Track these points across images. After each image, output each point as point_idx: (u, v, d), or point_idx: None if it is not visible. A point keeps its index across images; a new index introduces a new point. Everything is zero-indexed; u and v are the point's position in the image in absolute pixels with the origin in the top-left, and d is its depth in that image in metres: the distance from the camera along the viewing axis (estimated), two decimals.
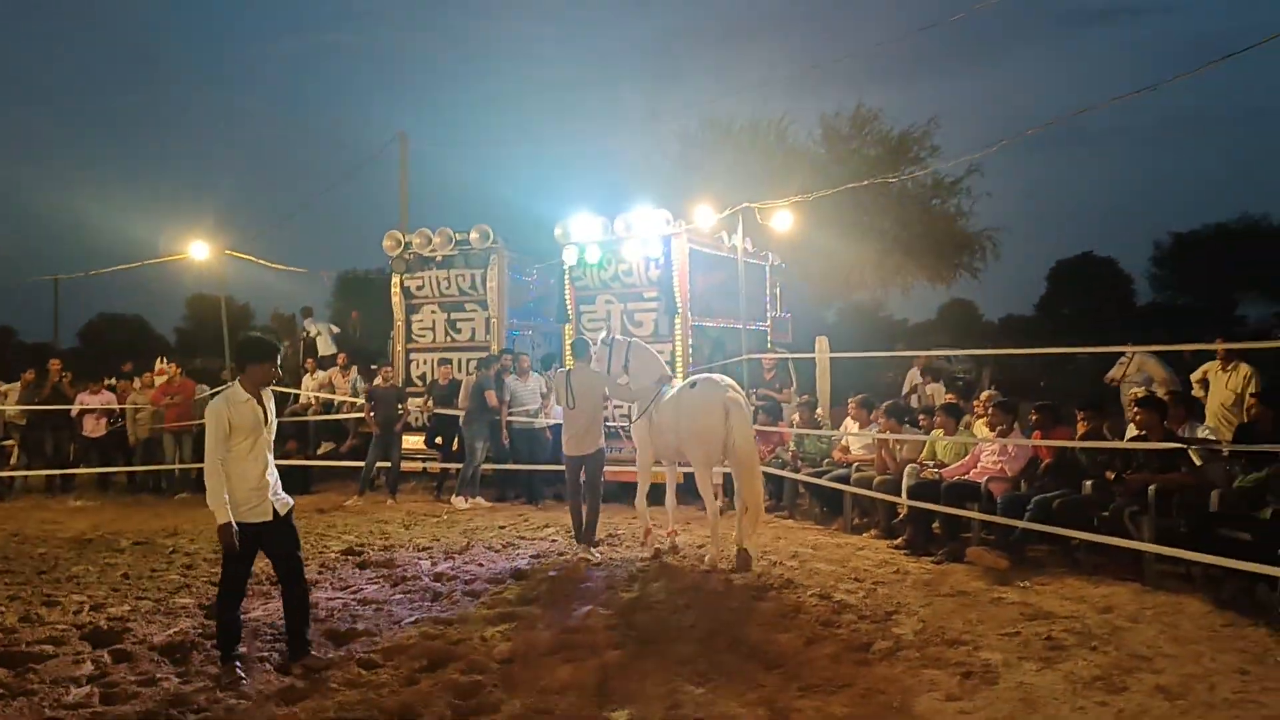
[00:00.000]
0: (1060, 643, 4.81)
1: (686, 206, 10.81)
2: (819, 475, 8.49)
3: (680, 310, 10.33)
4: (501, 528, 8.97)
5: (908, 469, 7.36)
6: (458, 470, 10.84)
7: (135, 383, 12.98)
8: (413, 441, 11.71)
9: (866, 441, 8.43)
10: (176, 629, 5.47)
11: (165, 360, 14.14)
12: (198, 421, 12.78)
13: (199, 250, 12.81)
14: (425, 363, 12.26)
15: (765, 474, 9.35)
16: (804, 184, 14.19)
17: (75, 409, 12.45)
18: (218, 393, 5.10)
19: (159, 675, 4.66)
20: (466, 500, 10.42)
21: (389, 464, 11.36)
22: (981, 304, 36.86)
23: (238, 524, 4.55)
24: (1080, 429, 7.01)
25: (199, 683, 4.55)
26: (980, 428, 7.64)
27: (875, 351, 14.03)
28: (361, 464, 11.69)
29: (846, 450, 8.72)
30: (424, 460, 11.69)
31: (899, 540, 7.30)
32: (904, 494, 7.19)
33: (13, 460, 12.79)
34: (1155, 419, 6.06)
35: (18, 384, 12.95)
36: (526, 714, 4.10)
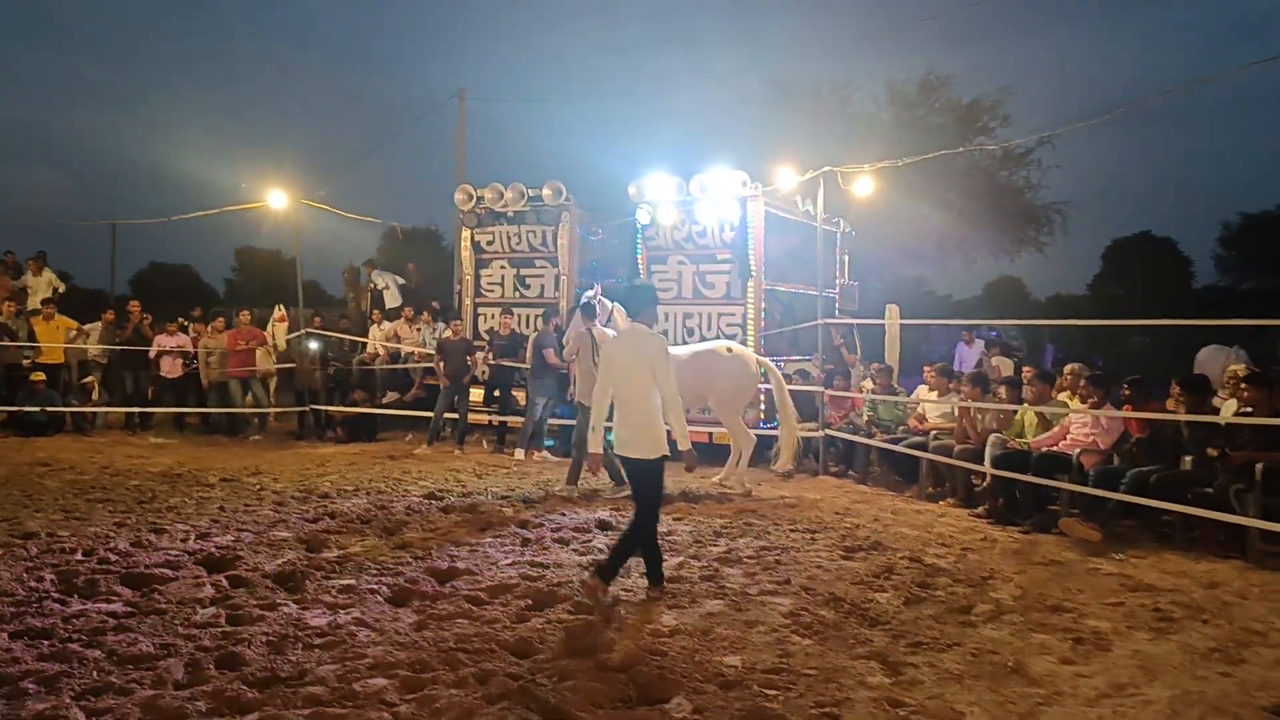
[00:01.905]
0: (1169, 614, 4.79)
1: (759, 168, 10.72)
2: (895, 442, 8.46)
3: (754, 274, 10.28)
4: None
5: (991, 438, 7.30)
6: (519, 424, 10.98)
7: (208, 327, 13.26)
8: (479, 394, 11.87)
9: (945, 410, 8.38)
10: (284, 559, 5.64)
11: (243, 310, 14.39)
12: (262, 367, 13.10)
13: (277, 199, 12.98)
14: (493, 317, 12.36)
15: (839, 439, 9.39)
16: (873, 151, 13.95)
17: (153, 351, 12.77)
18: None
19: (278, 601, 4.83)
20: (526, 454, 10.53)
21: (456, 415, 11.56)
22: (1029, 282, 36.24)
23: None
24: (1173, 405, 6.90)
25: (317, 610, 4.70)
26: (1066, 400, 7.55)
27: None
28: (425, 414, 11.91)
29: (922, 418, 8.68)
30: (489, 413, 11.84)
31: (980, 509, 7.28)
32: (988, 463, 7.15)
33: (94, 397, 13.19)
34: (1263, 395, 5.95)
35: (99, 324, 13.31)
36: (641, 654, 4.18)
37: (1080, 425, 6.87)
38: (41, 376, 12.12)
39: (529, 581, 5.27)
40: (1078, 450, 6.69)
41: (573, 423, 11.04)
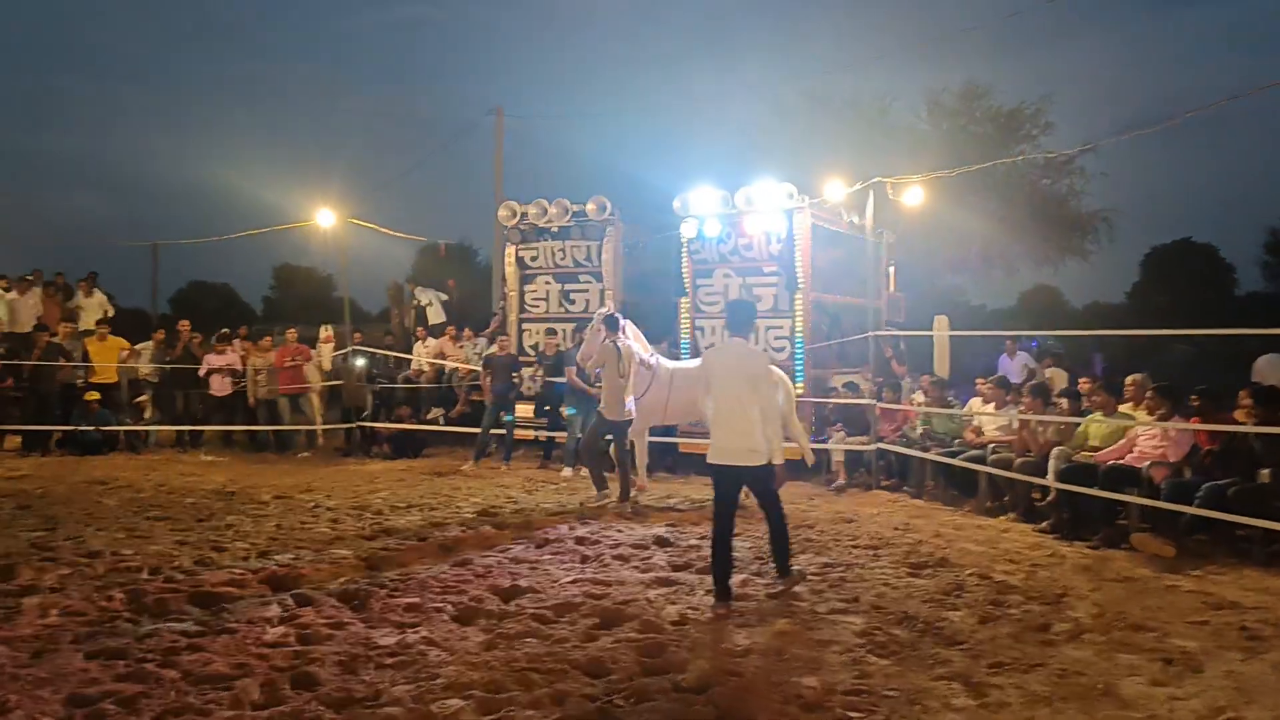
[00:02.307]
0: (1257, 633, 4.62)
1: (801, 180, 10.64)
2: (951, 456, 8.31)
3: (801, 286, 10.20)
4: (643, 494, 8.97)
5: (1054, 451, 7.13)
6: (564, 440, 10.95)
7: (265, 340, 13.45)
8: (525, 410, 11.87)
9: (1002, 422, 8.22)
10: (346, 578, 5.64)
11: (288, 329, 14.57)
12: (310, 385, 13.23)
13: (325, 217, 13.14)
14: (538, 333, 12.37)
15: (891, 452, 9.26)
16: (914, 161, 13.83)
17: (203, 369, 12.96)
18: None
19: (345, 620, 4.82)
20: (574, 471, 10.50)
21: (502, 431, 11.57)
22: (1066, 291, 35.56)
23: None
24: (1243, 416, 6.69)
25: (384, 629, 4.69)
26: (1129, 411, 7.36)
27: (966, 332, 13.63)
28: (470, 430, 11.93)
29: (979, 431, 8.52)
30: (535, 429, 11.84)
31: (1044, 524, 7.11)
32: (1051, 476, 6.98)
33: (146, 415, 13.40)
34: None
35: (150, 344, 13.54)
36: (716, 675, 4.11)
37: (1148, 438, 6.68)
38: (96, 396, 12.34)
39: (594, 600, 5.22)
40: (1147, 463, 6.51)
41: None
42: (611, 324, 8.26)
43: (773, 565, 5.62)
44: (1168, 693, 3.92)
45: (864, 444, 9.36)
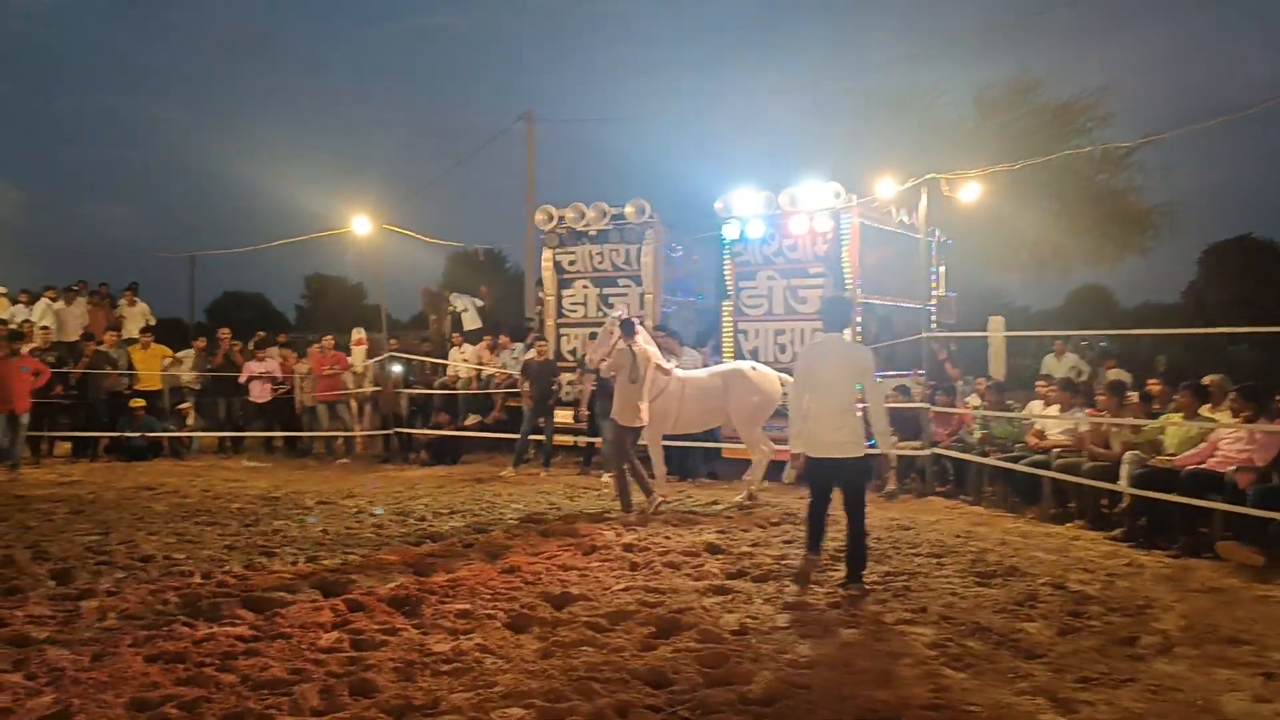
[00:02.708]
0: None
1: (846, 179, 10.40)
2: (1013, 460, 8.01)
3: (850, 287, 9.96)
4: (667, 502, 8.84)
5: (1127, 456, 6.83)
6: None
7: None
8: (564, 415, 11.74)
9: (1067, 425, 7.91)
10: (396, 583, 5.52)
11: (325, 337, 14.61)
12: (350, 391, 13.23)
13: (360, 224, 13.16)
14: (576, 338, 12.24)
15: (946, 457, 8.98)
16: (961, 158, 13.50)
17: (243, 376, 13.01)
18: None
19: (397, 625, 4.69)
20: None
21: (541, 437, 11.45)
22: (1116, 290, 34.71)
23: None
24: None
25: (437, 635, 4.55)
26: (1209, 413, 7.02)
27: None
28: (507, 436, 11.82)
29: (1041, 435, 8.21)
30: (574, 434, 11.71)
31: (1116, 531, 6.80)
32: (1124, 482, 6.68)
33: (189, 421, 13.49)
34: None
35: (191, 351, 13.64)
36: (783, 687, 3.91)
37: (1231, 441, 6.36)
38: (141, 403, 12.44)
39: (648, 608, 5.04)
40: (1232, 467, 6.18)
41: (671, 444, 10.81)
42: (627, 328, 8.16)
43: (843, 571, 5.50)
44: (1273, 709, 3.66)
45: (917, 449, 9.08)
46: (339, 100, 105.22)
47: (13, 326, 12.67)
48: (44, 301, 13.86)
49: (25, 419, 10.56)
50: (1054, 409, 8.25)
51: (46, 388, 11.33)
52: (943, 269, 12.02)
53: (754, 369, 8.86)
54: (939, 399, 9.15)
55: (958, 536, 6.97)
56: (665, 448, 8.74)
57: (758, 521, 7.66)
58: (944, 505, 8.54)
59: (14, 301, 14.40)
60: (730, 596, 5.32)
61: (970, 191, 9.51)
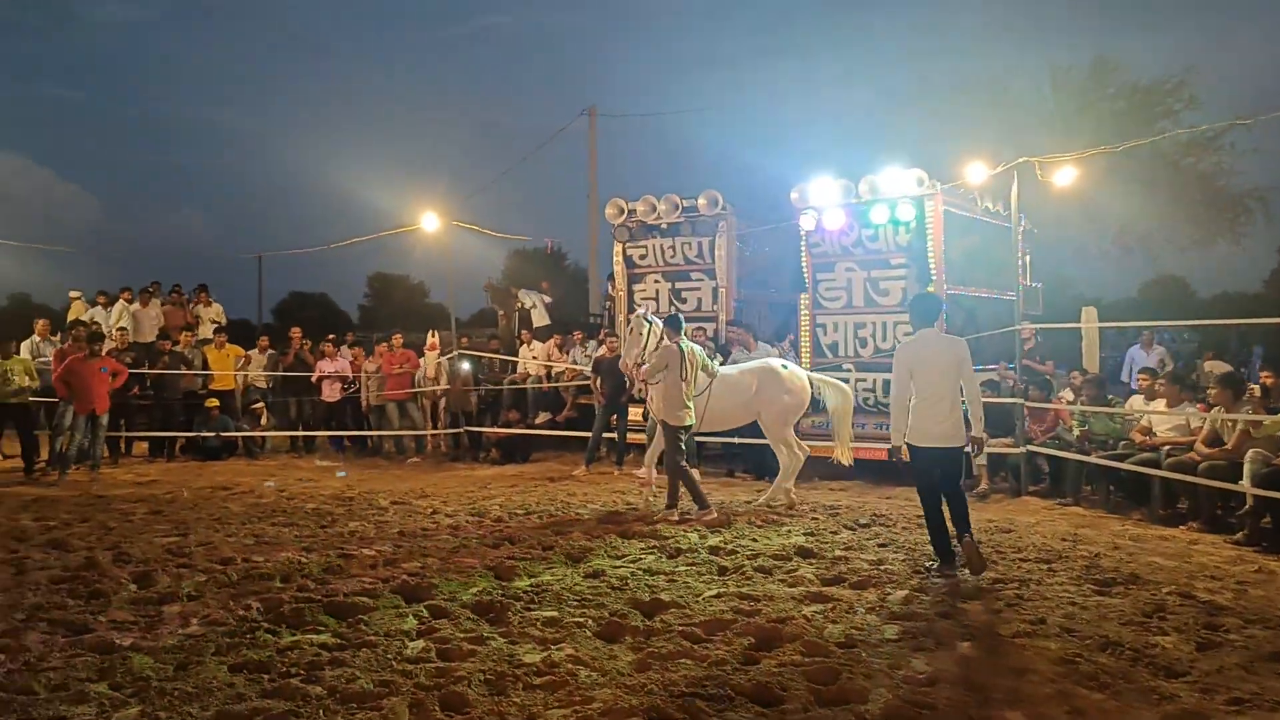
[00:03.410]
0: None
1: (928, 165, 9.95)
2: (1118, 459, 7.52)
3: (934, 278, 9.52)
4: (748, 502, 8.56)
5: (1249, 454, 6.32)
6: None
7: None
8: (636, 413, 11.51)
9: (1177, 422, 7.39)
10: (478, 588, 5.34)
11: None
12: (418, 389, 13.20)
13: (430, 221, 13.13)
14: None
15: (1044, 455, 8.51)
16: (1040, 143, 12.87)
17: (315, 375, 13.09)
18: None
19: (484, 634, 4.50)
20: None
21: (614, 435, 11.25)
22: (1192, 281, 33.14)
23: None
24: None
25: (526, 645, 4.35)
26: None
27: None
28: (578, 434, 11.63)
29: (1147, 431, 7.70)
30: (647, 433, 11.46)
31: (1237, 535, 6.31)
32: (1248, 481, 6.18)
33: (262, 421, 13.62)
34: None
35: (255, 350, 13.77)
36: (904, 707, 3.61)
37: None
38: (215, 403, 12.59)
39: (745, 617, 4.78)
40: None
41: (729, 440, 10.56)
42: (675, 325, 7.92)
43: (954, 533, 5.67)
44: None
45: (1009, 446, 8.62)
46: (402, 103, 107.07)
47: (92, 328, 12.93)
48: (121, 303, 14.13)
49: (104, 419, 10.73)
50: (1159, 403, 7.73)
51: (124, 388, 11.52)
52: (1028, 258, 11.47)
53: (785, 367, 8.56)
54: (1032, 394, 8.67)
55: (1064, 540, 6.54)
56: (725, 444, 8.67)
57: (846, 523, 7.33)
58: (1041, 505, 8.08)
59: (92, 304, 14.72)
60: (830, 605, 5.02)
61: (1065, 176, 8.98)
